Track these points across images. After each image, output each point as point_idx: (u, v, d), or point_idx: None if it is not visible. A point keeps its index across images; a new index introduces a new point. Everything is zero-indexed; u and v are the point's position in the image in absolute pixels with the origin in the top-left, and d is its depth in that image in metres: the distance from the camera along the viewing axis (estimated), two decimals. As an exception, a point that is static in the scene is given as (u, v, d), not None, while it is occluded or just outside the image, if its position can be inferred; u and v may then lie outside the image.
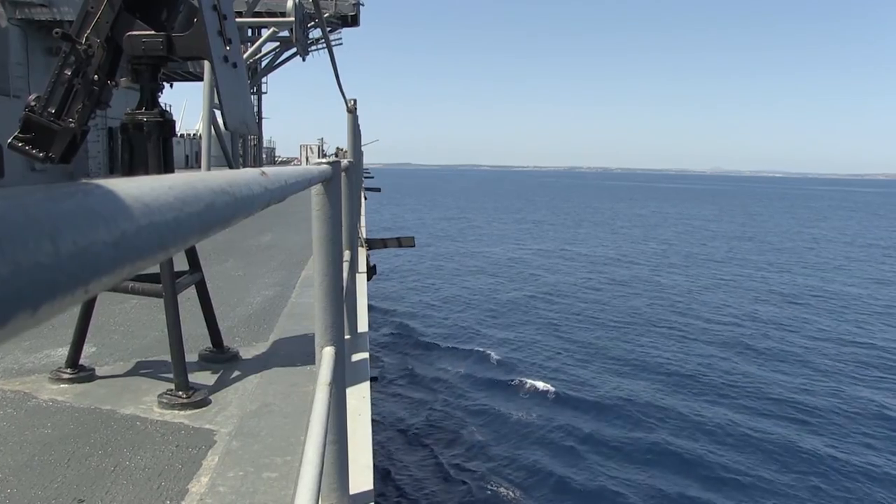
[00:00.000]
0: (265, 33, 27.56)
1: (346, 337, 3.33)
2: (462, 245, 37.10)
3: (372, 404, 3.66)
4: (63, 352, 4.21)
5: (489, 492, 9.69)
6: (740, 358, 15.77)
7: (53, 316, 0.31)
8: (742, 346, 16.72)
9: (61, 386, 3.94)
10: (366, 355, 4.43)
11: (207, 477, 2.86)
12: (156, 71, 4.16)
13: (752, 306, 21.25)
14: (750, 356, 15.90)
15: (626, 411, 12.42)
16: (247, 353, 4.61)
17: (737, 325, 18.88)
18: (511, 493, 9.67)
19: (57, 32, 3.94)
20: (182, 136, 45.50)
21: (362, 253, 8.04)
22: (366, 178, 38.29)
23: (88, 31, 3.91)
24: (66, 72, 3.96)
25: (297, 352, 4.55)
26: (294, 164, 43.36)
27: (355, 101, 6.00)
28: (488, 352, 16.19)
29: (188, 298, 4.57)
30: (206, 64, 13.11)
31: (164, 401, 3.65)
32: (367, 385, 3.88)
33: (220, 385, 4.00)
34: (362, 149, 11.00)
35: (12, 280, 0.28)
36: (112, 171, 25.47)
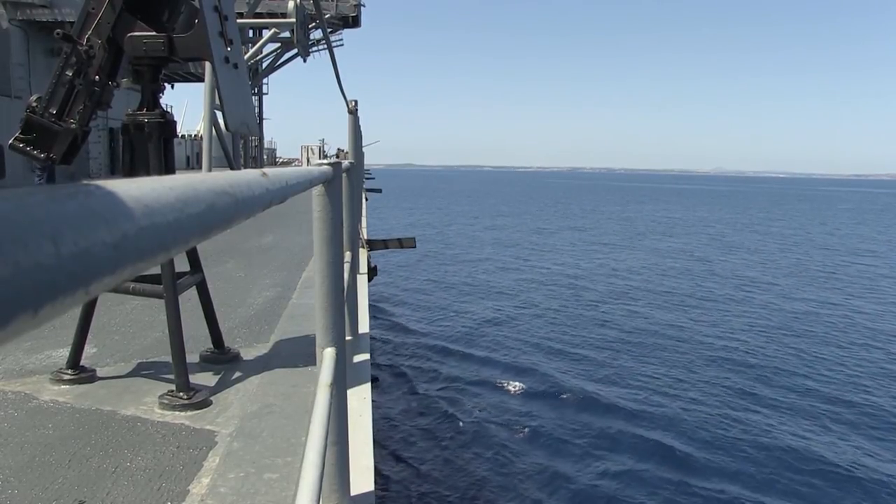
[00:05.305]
0: (266, 34, 27.62)
1: (347, 338, 3.33)
2: (464, 246, 37.10)
3: (373, 405, 3.66)
4: (64, 353, 4.21)
5: (490, 492, 9.69)
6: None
7: (55, 317, 0.31)
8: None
9: (62, 387, 3.94)
10: (367, 356, 4.43)
11: (208, 478, 2.86)
12: (157, 72, 4.17)
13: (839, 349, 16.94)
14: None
15: (632, 413, 12.40)
16: (248, 353, 4.61)
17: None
18: (512, 493, 9.66)
19: (58, 33, 3.95)
20: (183, 137, 45.58)
21: (363, 254, 8.04)
22: (367, 178, 38.33)
23: (89, 32, 3.92)
24: (67, 73, 3.97)
25: (298, 353, 4.55)
26: (295, 165, 43.40)
27: (356, 101, 6.00)
28: (491, 352, 16.18)
29: (189, 299, 4.57)
30: (208, 65, 13.15)
31: (165, 402, 3.65)
32: (367, 386, 3.88)
33: (221, 386, 4.00)
34: (363, 150, 11.00)
35: (13, 281, 0.28)
36: (113, 172, 25.51)
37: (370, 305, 6.39)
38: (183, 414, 3.57)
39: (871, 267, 31.40)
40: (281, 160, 75.80)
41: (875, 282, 27.04)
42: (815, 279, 27.47)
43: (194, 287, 4.38)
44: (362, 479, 2.75)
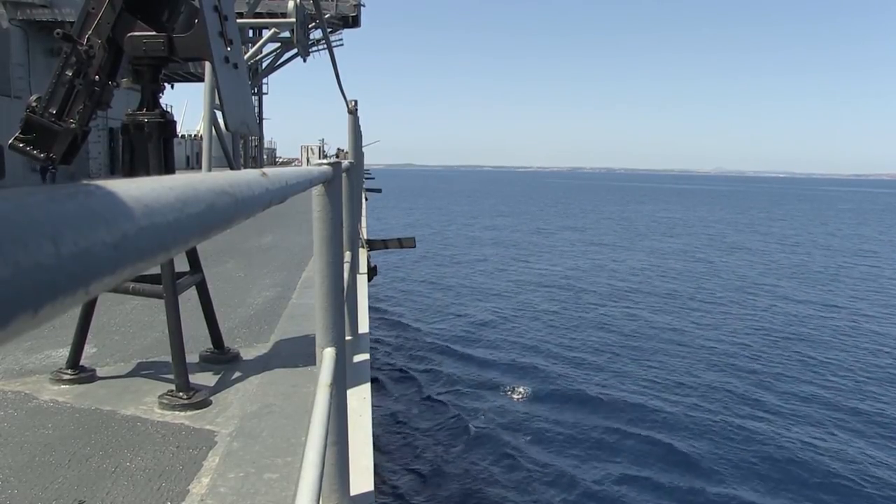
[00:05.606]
0: (266, 34, 27.62)
1: (347, 338, 3.33)
2: (463, 246, 37.09)
3: (373, 405, 3.66)
4: (64, 352, 4.21)
5: (490, 492, 9.69)
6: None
7: (55, 317, 0.31)
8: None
9: (62, 387, 3.94)
10: (366, 356, 4.43)
11: (208, 478, 2.86)
12: (157, 72, 4.17)
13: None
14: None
15: (633, 413, 12.39)
16: (247, 353, 4.61)
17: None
18: (512, 493, 9.66)
19: (58, 33, 3.95)
20: (183, 137, 45.59)
21: (363, 254, 8.04)
22: (367, 178, 38.32)
23: (89, 32, 3.92)
24: (67, 72, 3.97)
25: (297, 353, 4.55)
26: (295, 165, 43.39)
27: (356, 101, 6.00)
28: (491, 353, 16.18)
29: (189, 299, 4.57)
30: (207, 65, 13.15)
31: (165, 401, 3.65)
32: (367, 386, 3.88)
33: (221, 386, 4.00)
34: (363, 149, 11.00)
35: (14, 281, 0.28)
36: (113, 172, 25.51)
37: (370, 305, 6.38)
38: (183, 414, 3.57)
39: (874, 268, 31.33)
40: (281, 160, 75.80)
41: (879, 283, 26.97)
42: (817, 281, 27.39)
43: (194, 287, 4.38)
44: (362, 479, 2.75)
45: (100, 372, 4.17)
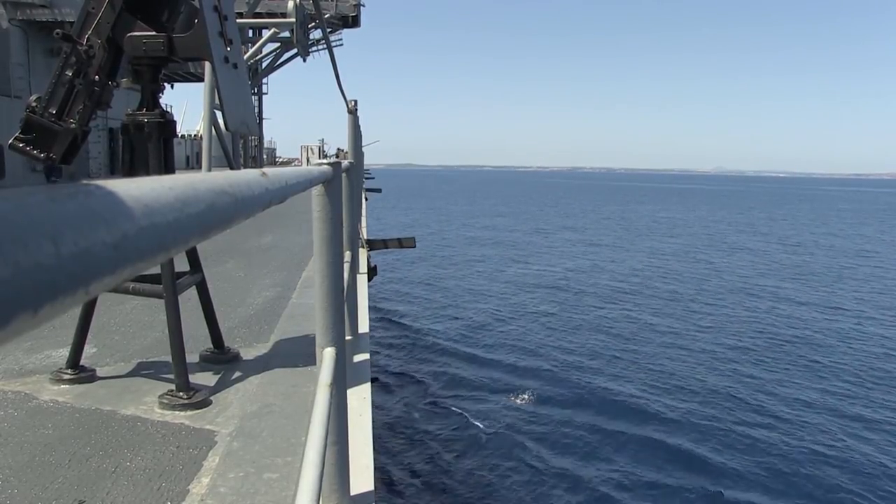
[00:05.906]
0: (266, 34, 27.61)
1: (347, 338, 3.33)
2: (463, 246, 37.09)
3: (373, 405, 3.66)
4: (64, 352, 4.21)
5: (490, 492, 9.69)
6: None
7: (54, 317, 0.31)
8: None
9: (62, 387, 3.94)
10: (367, 356, 4.43)
11: (208, 478, 2.86)
12: (157, 72, 4.17)
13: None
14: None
15: (635, 416, 12.38)
16: (248, 353, 4.61)
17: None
18: (512, 493, 9.66)
19: (58, 33, 3.94)
20: (183, 136, 45.59)
21: (363, 253, 8.04)
22: (367, 178, 38.31)
23: (89, 32, 3.92)
24: (66, 72, 3.97)
25: (297, 353, 4.55)
26: (295, 165, 43.37)
27: (356, 101, 6.00)
28: (490, 352, 16.18)
29: (189, 299, 4.57)
30: (207, 65, 13.15)
31: (165, 401, 3.65)
32: (367, 386, 3.88)
33: (221, 386, 4.00)
34: (363, 149, 11.00)
35: (13, 281, 0.28)
36: (113, 172, 25.51)
37: (370, 305, 6.39)
38: (183, 414, 3.57)
39: (877, 269, 31.26)
40: (281, 160, 75.80)
41: (883, 283, 26.88)
42: (820, 282, 27.32)
43: (194, 287, 4.38)
44: (362, 478, 2.75)
45: (100, 372, 4.17)
